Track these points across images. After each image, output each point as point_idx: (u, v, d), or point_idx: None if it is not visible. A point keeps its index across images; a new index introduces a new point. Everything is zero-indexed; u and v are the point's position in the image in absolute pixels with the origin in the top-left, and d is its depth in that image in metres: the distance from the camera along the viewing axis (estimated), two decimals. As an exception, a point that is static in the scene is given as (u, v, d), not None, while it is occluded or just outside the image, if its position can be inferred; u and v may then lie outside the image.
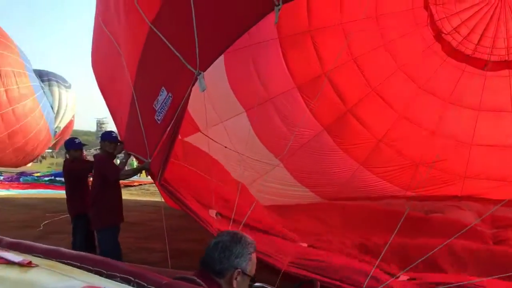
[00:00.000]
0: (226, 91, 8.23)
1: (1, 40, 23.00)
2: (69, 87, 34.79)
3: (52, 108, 28.41)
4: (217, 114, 8.17)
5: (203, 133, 7.52)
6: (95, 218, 5.16)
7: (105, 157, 5.34)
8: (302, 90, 9.18)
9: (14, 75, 22.56)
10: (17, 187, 15.27)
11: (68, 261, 1.45)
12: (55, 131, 34.76)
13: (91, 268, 1.41)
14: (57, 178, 17.47)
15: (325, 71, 9.04)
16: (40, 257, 1.52)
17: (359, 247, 5.05)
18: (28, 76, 23.73)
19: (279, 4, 2.93)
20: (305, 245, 4.04)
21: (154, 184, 15.69)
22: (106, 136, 5.45)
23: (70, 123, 37.56)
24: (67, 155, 6.22)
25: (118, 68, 6.67)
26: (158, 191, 14.40)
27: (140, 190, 16.02)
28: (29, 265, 1.39)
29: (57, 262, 1.45)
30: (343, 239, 5.23)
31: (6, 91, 21.86)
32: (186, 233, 7.48)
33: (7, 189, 14.63)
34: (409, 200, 9.43)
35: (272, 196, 8.72)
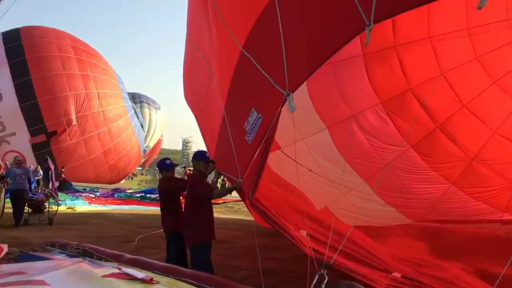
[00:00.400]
0: (308, 107, 8.22)
1: (100, 65, 25.26)
2: (158, 108, 37.09)
3: (142, 127, 30.25)
4: (298, 130, 8.16)
5: (283, 152, 7.55)
6: (188, 235, 5.31)
7: (199, 176, 5.50)
8: (387, 106, 8.96)
9: (110, 96, 24.61)
10: (112, 203, 16.31)
11: (186, 280, 1.53)
12: (145, 150, 37.08)
13: (208, 287, 1.48)
14: (148, 195, 18.48)
15: (411, 87, 8.77)
16: (159, 273, 1.62)
17: (459, 275, 4.74)
18: (122, 98, 25.73)
19: (370, 24, 2.90)
20: (398, 275, 3.85)
21: (237, 203, 16.13)
22: (200, 156, 5.61)
23: (159, 142, 39.83)
24: (160, 175, 6.54)
25: (210, 91, 6.97)
26: (242, 210, 14.71)
27: (224, 208, 16.40)
28: (151, 282, 1.48)
29: (176, 280, 1.54)
30: (441, 267, 4.94)
31: (103, 111, 23.86)
32: (272, 251, 7.52)
33: (104, 204, 15.71)
34: (505, 223, 8.77)
35: (357, 215, 8.52)
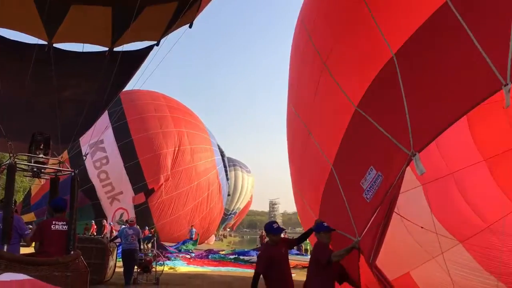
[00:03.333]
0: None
1: (192, 121, 26.94)
2: (249, 171, 38.52)
3: (227, 181, 30.87)
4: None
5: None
6: None
7: (322, 244, 5.37)
8: (492, 164, 8.46)
9: (202, 151, 25.91)
10: (208, 264, 16.67)
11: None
12: (235, 212, 38.18)
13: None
14: (241, 257, 18.69)
15: None
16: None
17: None
18: (213, 151, 26.93)
19: (507, 84, 2.92)
20: None
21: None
22: (321, 228, 5.48)
23: (248, 204, 40.73)
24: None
25: (307, 149, 7.13)
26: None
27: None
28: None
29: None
30: None
31: (195, 166, 25.04)
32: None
33: (201, 265, 16.11)
34: None
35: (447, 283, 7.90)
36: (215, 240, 32.30)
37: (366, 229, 4.63)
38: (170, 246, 22.31)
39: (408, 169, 7.95)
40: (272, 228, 5.84)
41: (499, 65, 3.00)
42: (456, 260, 8.31)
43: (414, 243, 7.99)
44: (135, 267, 11.10)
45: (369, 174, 4.60)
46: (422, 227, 7.56)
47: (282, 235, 6.13)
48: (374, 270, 4.68)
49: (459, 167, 8.47)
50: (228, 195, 33.57)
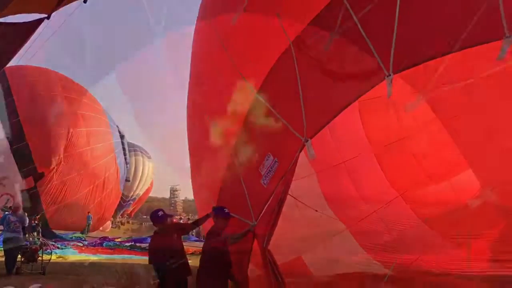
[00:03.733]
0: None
1: (88, 102, 25.29)
2: (149, 157, 37.42)
3: (127, 165, 29.65)
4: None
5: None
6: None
7: (217, 229, 5.39)
8: (379, 155, 9.09)
9: (99, 134, 24.53)
10: (101, 252, 15.97)
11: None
12: (134, 198, 36.94)
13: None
14: (137, 244, 18.18)
15: (406, 135, 8.92)
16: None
17: None
18: (111, 134, 25.63)
19: (390, 75, 3.13)
20: None
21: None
22: (221, 214, 5.43)
23: (148, 190, 39.61)
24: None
25: (207, 135, 7.10)
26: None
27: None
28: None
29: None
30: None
31: (91, 150, 23.66)
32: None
33: (94, 253, 15.37)
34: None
35: (332, 263, 8.40)
36: (111, 227, 31.04)
37: (261, 214, 4.73)
38: (62, 234, 21.05)
39: (304, 156, 8.40)
40: (157, 217, 5.74)
41: (383, 57, 3.19)
42: (343, 244, 8.73)
43: (307, 228, 8.36)
44: (19, 256, 10.32)
45: (266, 160, 4.70)
46: (316, 211, 7.91)
47: (182, 221, 6.10)
48: (267, 255, 4.82)
49: (350, 156, 9.00)
50: (127, 180, 32.35)
